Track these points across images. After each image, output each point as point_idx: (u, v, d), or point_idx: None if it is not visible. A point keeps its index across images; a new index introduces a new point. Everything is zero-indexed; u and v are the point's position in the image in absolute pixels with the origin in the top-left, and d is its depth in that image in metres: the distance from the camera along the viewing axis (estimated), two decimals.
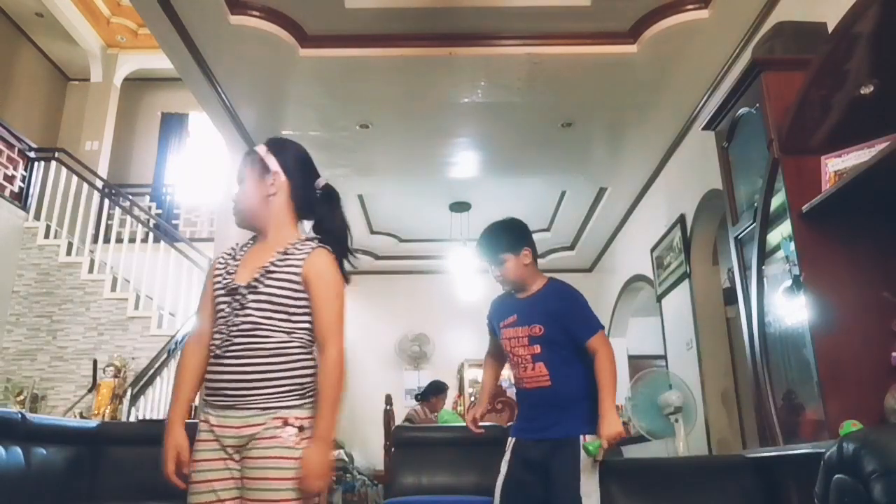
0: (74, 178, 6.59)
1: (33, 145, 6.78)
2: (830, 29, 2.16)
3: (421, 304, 7.34)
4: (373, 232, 6.93)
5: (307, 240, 1.64)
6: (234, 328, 1.53)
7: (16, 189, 6.46)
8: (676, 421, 4.03)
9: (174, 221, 7.61)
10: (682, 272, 4.77)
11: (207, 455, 1.50)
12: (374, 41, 3.74)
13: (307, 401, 1.53)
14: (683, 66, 3.87)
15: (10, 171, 6.40)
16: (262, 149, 1.71)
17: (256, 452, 1.46)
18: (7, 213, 6.21)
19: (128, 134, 8.24)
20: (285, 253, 1.59)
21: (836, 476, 1.21)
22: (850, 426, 1.64)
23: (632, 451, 4.97)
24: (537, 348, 2.24)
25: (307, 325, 1.57)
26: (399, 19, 3.62)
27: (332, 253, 1.62)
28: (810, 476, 1.35)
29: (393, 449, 3.94)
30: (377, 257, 7.42)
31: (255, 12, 3.54)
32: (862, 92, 1.87)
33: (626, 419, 5.88)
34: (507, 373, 8.49)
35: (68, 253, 6.35)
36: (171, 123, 8.39)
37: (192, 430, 1.57)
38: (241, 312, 1.53)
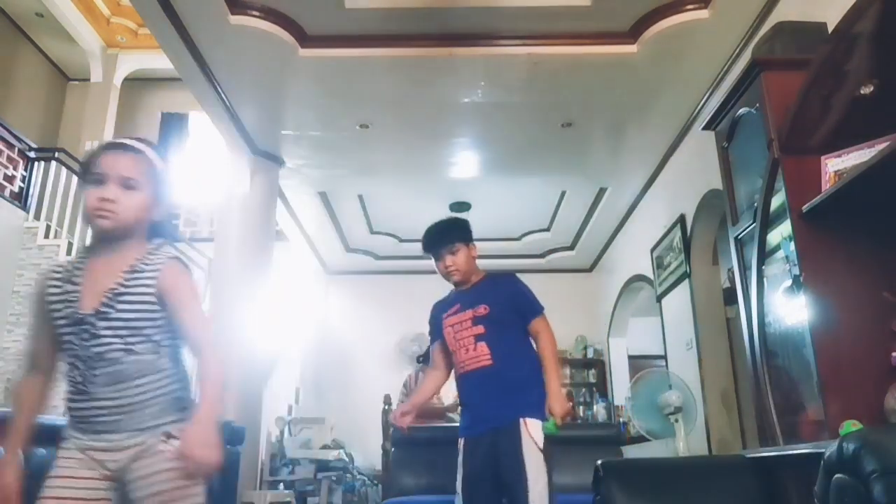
0: (74, 178, 6.58)
1: (33, 145, 6.77)
2: (830, 29, 2.16)
3: (421, 304, 7.29)
4: (373, 232, 6.93)
5: (150, 252, 1.49)
6: (91, 360, 1.40)
7: (16, 189, 6.46)
8: (676, 421, 4.03)
9: (174, 221, 7.61)
10: (682, 272, 4.77)
11: (73, 472, 1.41)
12: (374, 41, 3.74)
13: (185, 412, 1.47)
14: (683, 66, 3.87)
15: (10, 171, 6.40)
16: (159, 163, 1.52)
17: (143, 471, 1.40)
18: (7, 213, 6.21)
19: (128, 134, 8.18)
20: (133, 270, 1.45)
21: (836, 476, 1.21)
22: (850, 426, 1.64)
23: (632, 451, 4.98)
24: (481, 328, 2.30)
25: (171, 337, 1.48)
26: (399, 19, 3.62)
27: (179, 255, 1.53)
28: (810, 476, 1.35)
29: (392, 449, 3.95)
30: (377, 257, 7.42)
31: (255, 12, 3.54)
32: (862, 92, 1.87)
33: (626, 419, 5.89)
34: None
35: (68, 253, 6.34)
36: (171, 123, 8.38)
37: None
38: (94, 343, 1.40)
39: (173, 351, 1.49)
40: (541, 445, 2.19)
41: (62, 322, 1.43)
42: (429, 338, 2.57)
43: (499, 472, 2.20)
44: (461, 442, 2.34)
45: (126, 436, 1.41)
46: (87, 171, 1.46)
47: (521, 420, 2.21)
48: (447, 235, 2.43)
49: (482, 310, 2.31)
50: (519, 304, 2.37)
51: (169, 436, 1.42)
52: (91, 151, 1.51)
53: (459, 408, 2.50)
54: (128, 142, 1.51)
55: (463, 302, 2.40)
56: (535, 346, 2.38)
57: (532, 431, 2.21)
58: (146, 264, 1.46)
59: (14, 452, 1.46)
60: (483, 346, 2.28)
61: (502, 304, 2.34)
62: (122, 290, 1.43)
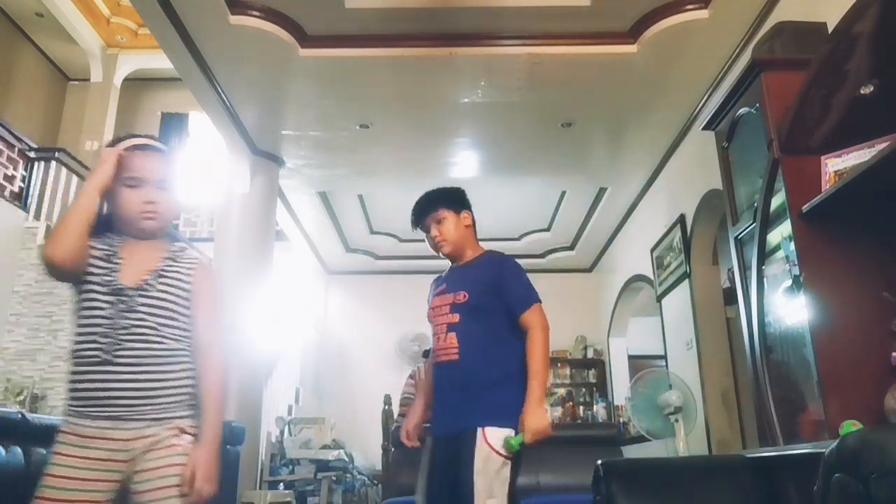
0: (74, 178, 6.59)
1: (33, 145, 6.77)
2: (830, 29, 2.16)
3: (421, 304, 7.31)
4: (373, 232, 6.93)
5: (180, 249, 1.58)
6: (124, 331, 1.41)
7: (16, 189, 6.46)
8: (676, 421, 4.03)
9: (174, 221, 7.60)
10: (682, 272, 4.77)
11: (69, 472, 1.36)
12: (374, 41, 3.74)
13: (196, 410, 1.49)
14: (683, 66, 3.87)
15: (10, 171, 6.40)
16: (176, 161, 1.61)
17: (155, 463, 1.39)
18: (7, 213, 6.21)
19: (128, 134, 8.23)
20: (173, 259, 1.53)
21: (836, 476, 1.21)
22: (850, 426, 1.64)
23: (632, 451, 4.98)
24: (455, 317, 2.02)
25: (189, 334, 1.51)
26: (399, 19, 3.62)
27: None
28: (810, 476, 1.35)
29: (392, 449, 3.95)
30: (377, 257, 7.42)
31: (255, 12, 3.54)
32: (862, 92, 1.87)
33: (626, 419, 5.89)
34: None
35: None
36: (171, 123, 8.38)
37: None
38: (130, 315, 1.42)
39: (192, 348, 1.52)
40: (504, 452, 1.88)
41: (97, 289, 1.44)
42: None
43: (454, 484, 1.89)
44: (429, 440, 2.11)
45: (143, 425, 1.40)
46: (121, 175, 1.48)
47: (480, 430, 1.87)
48: (433, 203, 2.15)
49: (461, 296, 2.02)
50: (504, 291, 2.04)
51: (182, 430, 1.44)
52: (119, 146, 1.53)
53: None
54: (154, 143, 1.57)
55: (450, 282, 2.11)
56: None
57: (493, 442, 1.87)
58: (181, 259, 1.55)
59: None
60: (452, 338, 1.99)
61: (481, 291, 2.03)
62: (162, 273, 1.49)
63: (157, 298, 1.46)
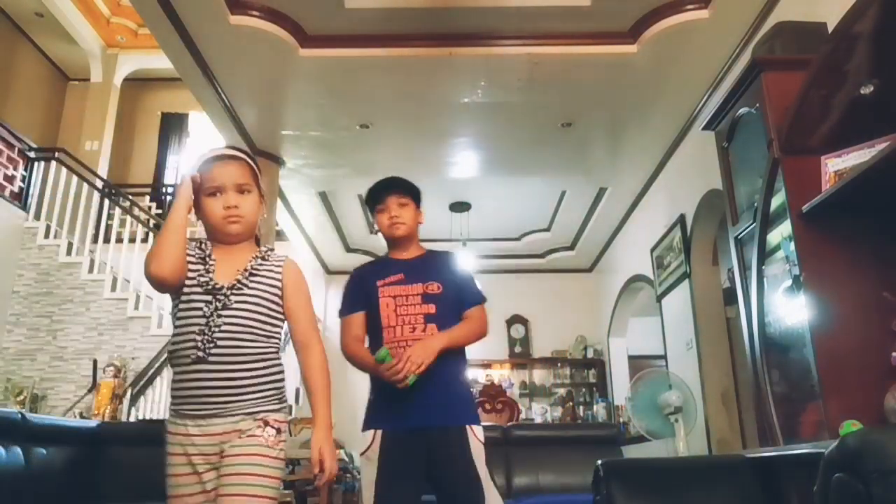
0: (74, 178, 6.58)
1: (33, 145, 6.78)
2: (830, 29, 2.16)
3: None
4: (373, 232, 6.92)
5: (268, 250, 1.64)
6: (218, 329, 1.48)
7: (16, 189, 6.46)
8: (676, 421, 4.03)
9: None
10: (682, 272, 4.77)
11: (180, 469, 1.48)
12: (374, 41, 3.74)
13: (284, 405, 1.56)
14: (683, 66, 3.87)
15: (10, 171, 6.40)
16: (256, 168, 1.66)
17: (236, 450, 1.45)
18: (7, 213, 6.21)
19: (128, 134, 8.24)
20: (263, 258, 1.59)
21: (836, 476, 1.21)
22: (850, 426, 1.64)
23: (632, 451, 4.98)
24: (432, 308, 2.02)
25: (280, 331, 1.59)
26: (399, 19, 3.62)
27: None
28: (810, 476, 1.35)
29: None
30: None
31: (255, 12, 3.54)
32: (862, 92, 1.87)
33: (626, 419, 5.90)
34: (506, 373, 8.50)
35: (68, 253, 6.34)
36: (171, 123, 8.39)
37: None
38: (224, 313, 1.49)
39: (280, 344, 1.58)
40: (482, 438, 1.99)
41: (195, 290, 1.51)
42: (341, 309, 2.18)
43: (436, 478, 1.93)
44: (375, 435, 2.00)
45: (236, 419, 1.46)
46: (201, 182, 1.57)
47: (468, 427, 1.98)
48: (404, 186, 2.19)
49: (435, 287, 2.05)
50: (466, 288, 2.13)
51: (266, 423, 1.49)
52: (199, 158, 1.62)
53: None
54: (229, 151, 1.64)
55: (408, 273, 2.08)
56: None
57: (479, 436, 2.00)
58: (270, 257, 1.61)
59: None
60: (433, 329, 1.99)
61: (452, 287, 2.09)
62: (254, 272, 1.56)
63: (250, 296, 1.52)
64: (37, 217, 6.45)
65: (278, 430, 1.51)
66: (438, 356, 1.94)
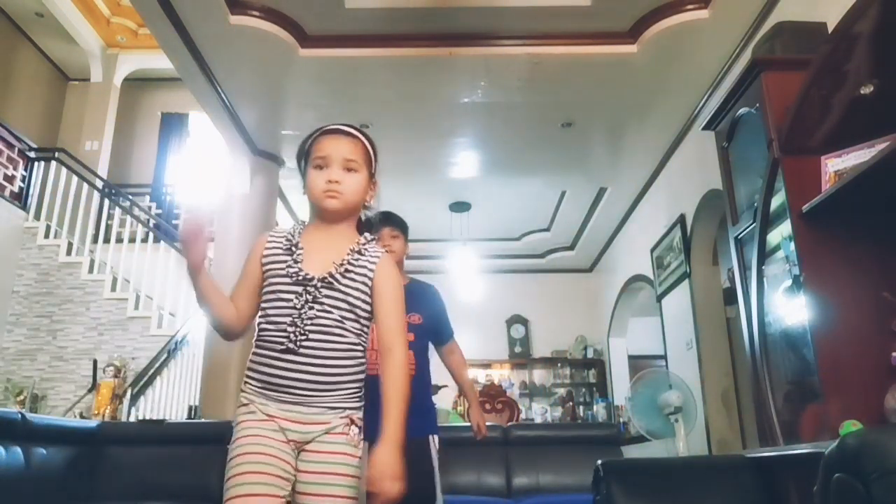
0: (74, 178, 6.59)
1: (33, 145, 6.78)
2: (830, 29, 2.16)
3: None
4: None
5: (367, 241, 1.56)
6: (309, 322, 1.43)
7: (16, 189, 6.46)
8: (676, 421, 4.03)
9: (174, 221, 7.60)
10: (682, 272, 4.77)
11: (267, 433, 1.40)
12: (374, 41, 3.74)
13: (362, 403, 1.52)
14: (683, 66, 3.87)
15: (10, 171, 6.40)
16: (371, 150, 1.62)
17: (324, 447, 1.41)
18: (7, 213, 6.21)
19: (128, 134, 8.23)
20: (359, 253, 1.51)
21: (836, 476, 1.21)
22: (850, 426, 1.64)
23: (632, 451, 4.98)
24: (411, 336, 2.19)
25: (368, 330, 1.53)
26: (399, 19, 3.62)
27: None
28: (810, 476, 1.35)
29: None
30: None
31: (255, 12, 3.54)
32: (862, 92, 1.87)
33: (626, 419, 5.89)
34: (506, 373, 8.48)
35: (68, 253, 6.35)
36: (171, 123, 8.38)
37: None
38: (316, 307, 1.43)
39: (366, 342, 1.52)
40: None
41: (282, 281, 1.46)
42: None
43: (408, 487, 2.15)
44: (367, 447, 2.21)
45: (317, 411, 1.42)
46: (308, 155, 1.53)
47: (431, 437, 2.26)
48: (399, 223, 2.48)
49: (416, 318, 2.31)
50: (443, 322, 2.50)
51: (352, 421, 1.45)
52: (309, 135, 1.57)
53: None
54: (344, 127, 1.57)
55: None
56: (450, 364, 2.58)
57: (436, 449, 2.27)
58: (366, 250, 1.52)
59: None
60: (411, 356, 2.18)
61: (431, 319, 2.40)
62: (348, 266, 1.48)
63: (342, 292, 1.46)
64: (37, 217, 6.45)
65: (360, 429, 1.48)
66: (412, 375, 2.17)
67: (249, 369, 1.48)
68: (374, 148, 1.63)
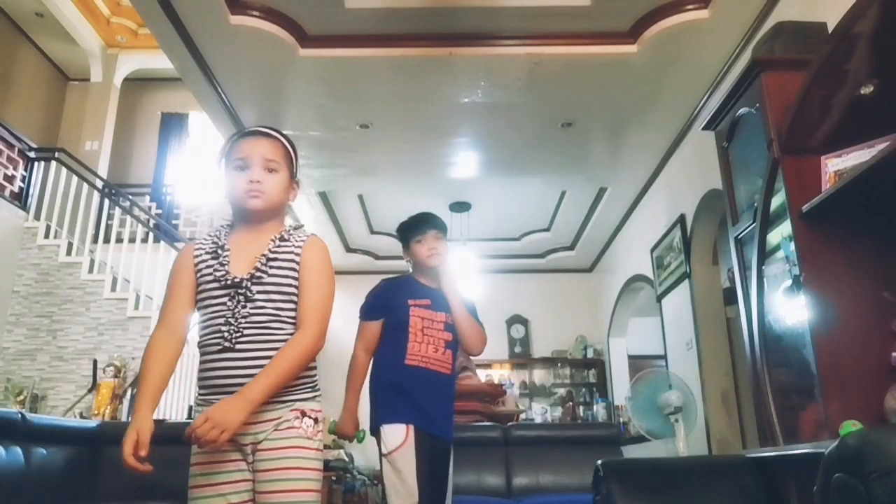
0: (74, 178, 6.59)
1: (33, 145, 6.78)
2: (830, 29, 2.16)
3: None
4: (373, 232, 6.93)
5: (293, 228, 1.57)
6: (244, 320, 1.43)
7: (16, 189, 6.46)
8: (676, 421, 4.03)
9: (174, 221, 7.61)
10: (682, 272, 4.77)
11: (216, 457, 1.41)
12: (374, 41, 3.74)
13: (316, 393, 1.51)
14: (683, 66, 3.87)
15: (10, 171, 6.40)
16: (291, 150, 1.60)
17: (274, 444, 1.41)
18: (7, 213, 6.21)
19: (128, 134, 8.24)
20: (281, 239, 1.52)
21: (836, 476, 1.21)
22: (850, 426, 1.64)
23: (632, 451, 4.98)
24: (450, 336, 2.31)
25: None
26: (399, 19, 3.62)
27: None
28: (810, 476, 1.35)
29: None
30: (377, 257, 7.42)
31: (255, 12, 3.54)
32: (862, 92, 1.87)
33: (626, 419, 5.90)
34: (506, 373, 8.49)
35: (68, 253, 6.35)
36: (171, 123, 8.38)
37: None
38: (249, 305, 1.44)
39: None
40: None
41: (212, 286, 1.47)
42: (364, 313, 2.38)
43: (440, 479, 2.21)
44: (410, 430, 2.14)
45: (264, 408, 1.40)
46: (229, 158, 1.53)
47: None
48: (440, 223, 2.45)
49: (450, 319, 2.32)
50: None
51: (303, 413, 1.45)
52: (228, 139, 1.58)
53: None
54: (263, 129, 1.58)
55: (434, 299, 2.33)
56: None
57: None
58: (291, 235, 1.54)
59: (149, 403, 1.39)
60: (450, 355, 2.29)
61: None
62: (273, 255, 1.49)
63: (273, 284, 1.46)
64: (37, 217, 6.45)
65: (315, 420, 1.47)
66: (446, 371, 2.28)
67: (198, 378, 1.49)
68: (294, 149, 1.62)
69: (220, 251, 1.50)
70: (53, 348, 6.03)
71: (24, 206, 6.46)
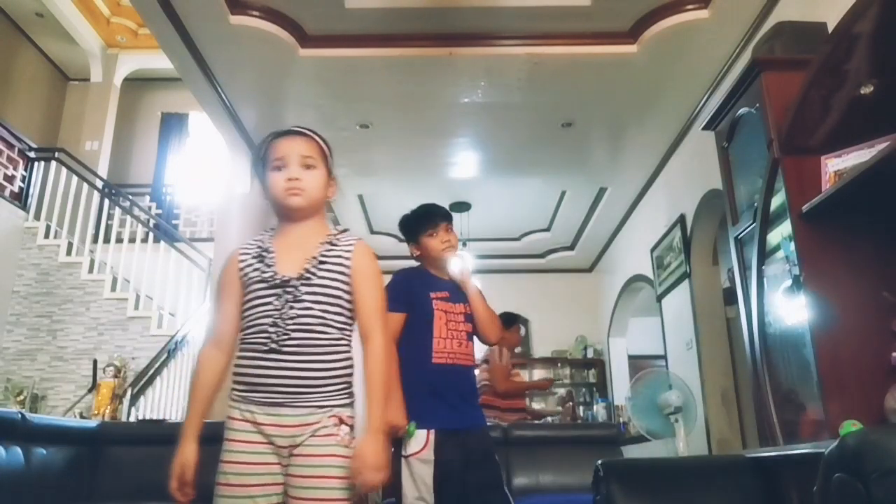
0: (74, 178, 6.58)
1: (33, 145, 6.77)
2: (830, 29, 2.16)
3: None
4: (373, 232, 6.93)
5: (339, 231, 1.59)
6: (291, 321, 1.44)
7: (16, 189, 6.46)
8: (676, 421, 4.03)
9: (174, 221, 7.60)
10: (682, 272, 4.77)
11: (248, 458, 1.41)
12: (374, 41, 3.74)
13: (352, 399, 1.51)
14: (683, 66, 3.87)
15: (10, 171, 6.40)
16: (325, 147, 1.63)
17: (312, 450, 1.41)
18: (7, 213, 6.21)
19: (128, 134, 8.23)
20: (331, 244, 1.53)
21: (836, 476, 1.21)
22: (850, 426, 1.64)
23: (632, 451, 4.98)
24: (470, 327, 2.28)
25: (352, 322, 1.53)
26: (399, 19, 3.62)
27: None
28: (810, 476, 1.35)
29: (392, 449, 3.94)
30: (377, 257, 7.38)
31: (255, 12, 3.54)
32: (862, 92, 1.87)
33: (626, 419, 5.90)
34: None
35: (68, 253, 6.34)
36: (171, 123, 8.38)
37: (211, 430, 1.50)
38: (297, 305, 1.45)
39: (352, 335, 1.53)
40: None
41: (259, 286, 1.48)
42: (391, 303, 2.30)
43: (475, 474, 2.12)
44: (430, 434, 2.11)
45: (304, 412, 1.42)
46: (266, 160, 1.55)
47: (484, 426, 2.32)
48: (449, 216, 2.40)
49: (469, 310, 2.29)
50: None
51: (341, 420, 1.45)
52: (262, 142, 1.60)
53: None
54: (297, 128, 1.61)
55: (452, 291, 2.29)
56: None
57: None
58: (339, 240, 1.55)
59: (194, 432, 1.46)
60: (471, 346, 2.27)
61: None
62: (323, 258, 1.50)
63: (321, 286, 1.47)
64: (37, 217, 6.45)
65: (351, 428, 1.47)
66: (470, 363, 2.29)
67: (235, 374, 1.49)
68: (328, 146, 1.64)
69: (265, 254, 1.52)
70: (53, 348, 6.03)
71: (24, 206, 6.46)
